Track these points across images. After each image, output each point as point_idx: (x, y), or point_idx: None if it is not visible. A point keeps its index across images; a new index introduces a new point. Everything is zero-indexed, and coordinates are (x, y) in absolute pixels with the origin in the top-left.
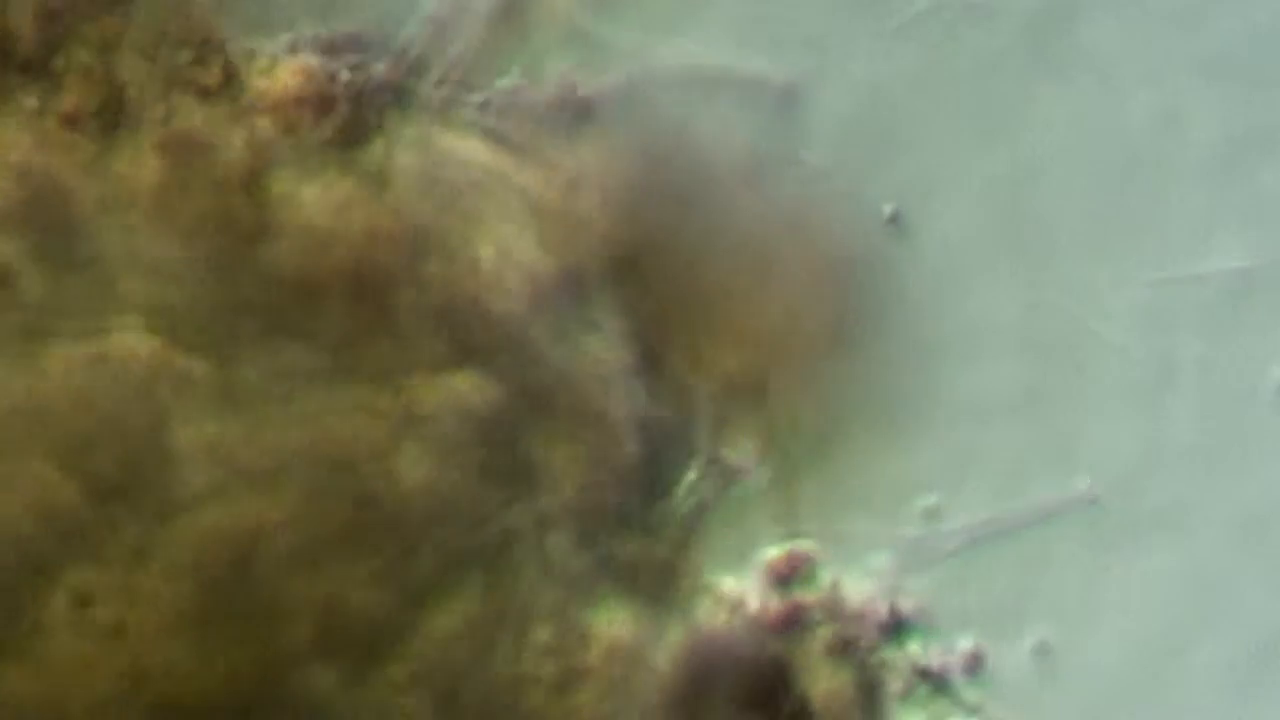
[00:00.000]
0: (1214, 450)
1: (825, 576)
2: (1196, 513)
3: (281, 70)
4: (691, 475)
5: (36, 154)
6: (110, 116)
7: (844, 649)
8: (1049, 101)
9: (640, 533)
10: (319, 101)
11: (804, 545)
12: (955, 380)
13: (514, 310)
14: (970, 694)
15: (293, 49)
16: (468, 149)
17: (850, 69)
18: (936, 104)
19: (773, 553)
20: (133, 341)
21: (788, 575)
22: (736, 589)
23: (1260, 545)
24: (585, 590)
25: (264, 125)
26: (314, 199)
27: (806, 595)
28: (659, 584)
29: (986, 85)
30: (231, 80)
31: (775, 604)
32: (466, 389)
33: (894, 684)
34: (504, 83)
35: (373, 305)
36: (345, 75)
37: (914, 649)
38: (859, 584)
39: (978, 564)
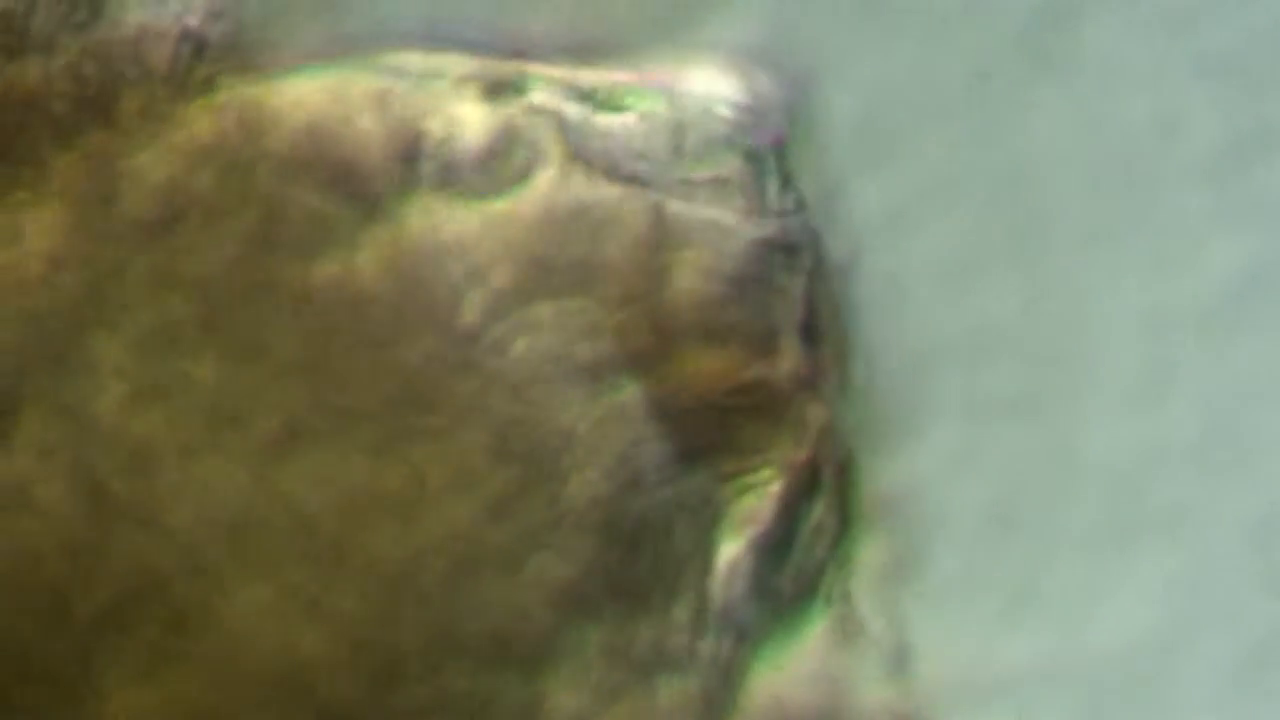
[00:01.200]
0: (1214, 450)
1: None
2: (1196, 513)
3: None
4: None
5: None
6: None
7: None
8: (1049, 101)
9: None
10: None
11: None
12: (955, 380)
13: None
14: None
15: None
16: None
17: (850, 69)
18: (936, 104)
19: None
20: None
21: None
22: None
23: (1260, 545)
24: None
25: (303, 194)
26: (341, 266)
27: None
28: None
29: (986, 85)
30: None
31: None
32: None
33: None
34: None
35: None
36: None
37: None
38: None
39: (979, 565)
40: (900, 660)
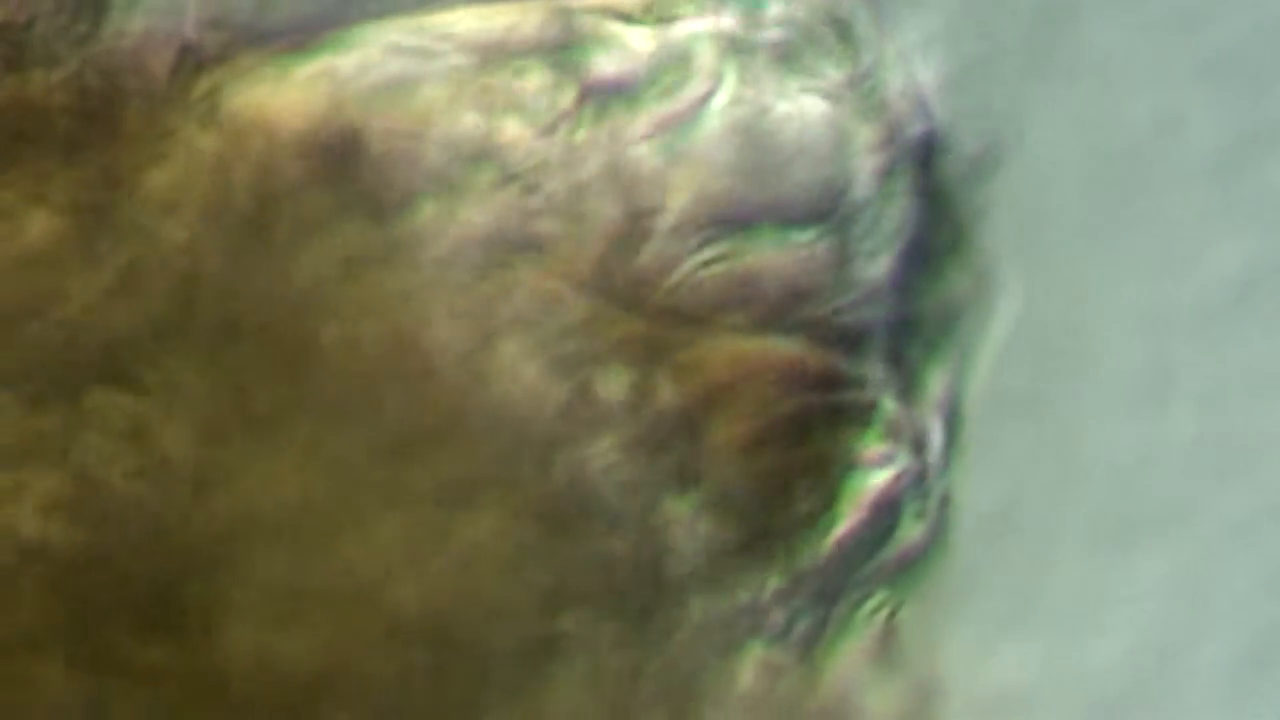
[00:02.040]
0: (1214, 450)
1: None
2: (1196, 513)
3: None
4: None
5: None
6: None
7: None
8: (1049, 101)
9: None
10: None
11: None
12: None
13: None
14: None
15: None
16: None
17: None
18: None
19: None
20: None
21: None
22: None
23: (1258, 545)
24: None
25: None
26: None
27: None
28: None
29: (986, 86)
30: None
31: None
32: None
33: None
34: None
35: None
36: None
37: None
38: None
39: (978, 566)
40: (926, 693)
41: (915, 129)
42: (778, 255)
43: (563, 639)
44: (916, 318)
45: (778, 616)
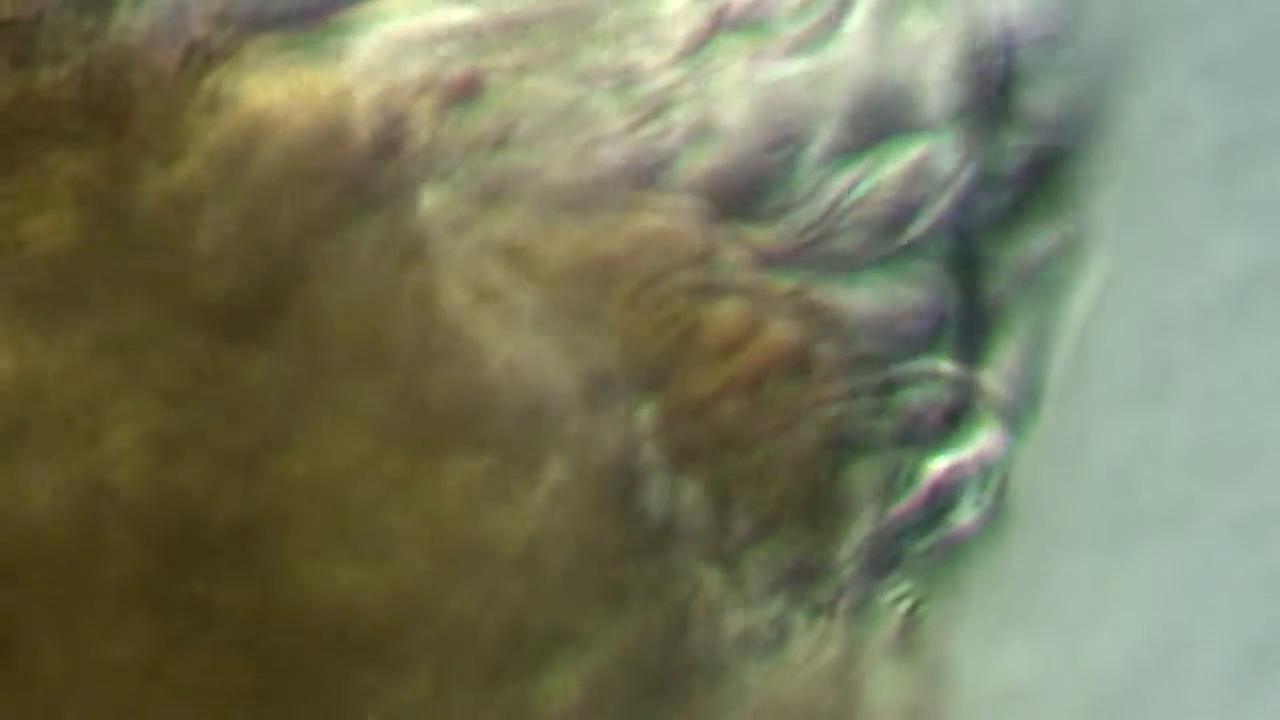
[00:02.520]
0: (1214, 450)
1: None
2: (1196, 513)
3: None
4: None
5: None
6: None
7: None
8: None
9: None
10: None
11: None
12: None
13: None
14: None
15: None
16: None
17: None
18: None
19: None
20: None
21: None
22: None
23: (1258, 545)
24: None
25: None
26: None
27: None
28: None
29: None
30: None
31: None
32: None
33: None
34: None
35: None
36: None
37: None
38: None
39: (980, 565)
40: (935, 686)
41: (1012, 38)
42: (900, 169)
43: (625, 590)
44: (999, 271)
45: (827, 587)
